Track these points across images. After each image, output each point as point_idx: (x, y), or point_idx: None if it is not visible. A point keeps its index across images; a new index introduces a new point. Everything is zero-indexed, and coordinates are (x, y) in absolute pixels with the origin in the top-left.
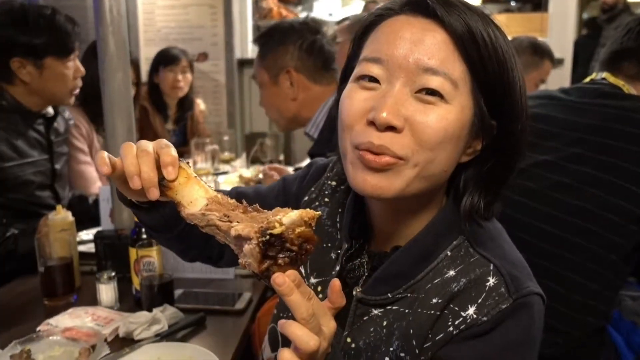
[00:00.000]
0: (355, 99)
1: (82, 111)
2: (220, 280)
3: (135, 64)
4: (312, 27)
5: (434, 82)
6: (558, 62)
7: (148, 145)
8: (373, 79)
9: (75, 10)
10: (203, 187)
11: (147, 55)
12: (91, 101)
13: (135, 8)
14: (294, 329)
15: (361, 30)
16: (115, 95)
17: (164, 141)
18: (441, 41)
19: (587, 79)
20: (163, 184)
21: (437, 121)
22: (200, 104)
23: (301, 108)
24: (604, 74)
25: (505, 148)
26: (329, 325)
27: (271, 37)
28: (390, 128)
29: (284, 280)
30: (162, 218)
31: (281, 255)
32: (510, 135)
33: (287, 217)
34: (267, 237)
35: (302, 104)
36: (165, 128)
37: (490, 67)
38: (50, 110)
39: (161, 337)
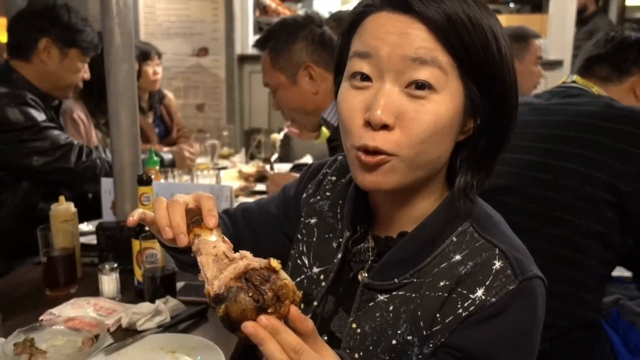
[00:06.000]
0: (350, 102)
1: (83, 105)
2: None
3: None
4: (317, 20)
5: (423, 73)
6: (557, 64)
7: (180, 197)
8: (364, 77)
9: (76, 2)
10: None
11: None
12: (95, 94)
13: (137, 1)
14: None
15: (347, 25)
16: (120, 86)
17: (205, 194)
18: (424, 33)
19: (559, 83)
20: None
21: (427, 116)
22: (168, 93)
23: (325, 99)
24: (574, 77)
25: (497, 124)
26: None
27: (277, 38)
28: (384, 126)
29: (255, 330)
30: None
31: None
32: (502, 112)
33: (285, 274)
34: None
35: (324, 96)
36: (146, 121)
37: (474, 52)
38: (55, 99)
39: (164, 328)
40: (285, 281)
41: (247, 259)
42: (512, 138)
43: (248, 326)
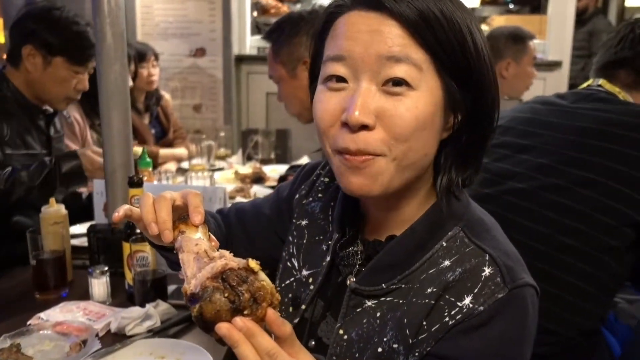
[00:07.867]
0: (326, 103)
1: (78, 105)
2: None
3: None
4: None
5: (399, 70)
6: (556, 65)
7: (167, 193)
8: (340, 79)
9: (72, 3)
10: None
11: None
12: (89, 94)
13: (133, 2)
14: None
15: (319, 28)
16: (111, 87)
17: (193, 191)
18: (397, 30)
19: (584, 85)
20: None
21: (407, 112)
22: (165, 94)
23: None
24: (601, 81)
25: (479, 119)
26: None
27: (282, 31)
28: (364, 127)
29: (229, 332)
30: None
31: (229, 284)
32: (482, 106)
33: (264, 275)
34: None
35: None
36: (142, 122)
37: (448, 47)
38: (49, 107)
39: (154, 332)
40: (263, 283)
41: (225, 259)
42: (531, 138)
43: (222, 327)
